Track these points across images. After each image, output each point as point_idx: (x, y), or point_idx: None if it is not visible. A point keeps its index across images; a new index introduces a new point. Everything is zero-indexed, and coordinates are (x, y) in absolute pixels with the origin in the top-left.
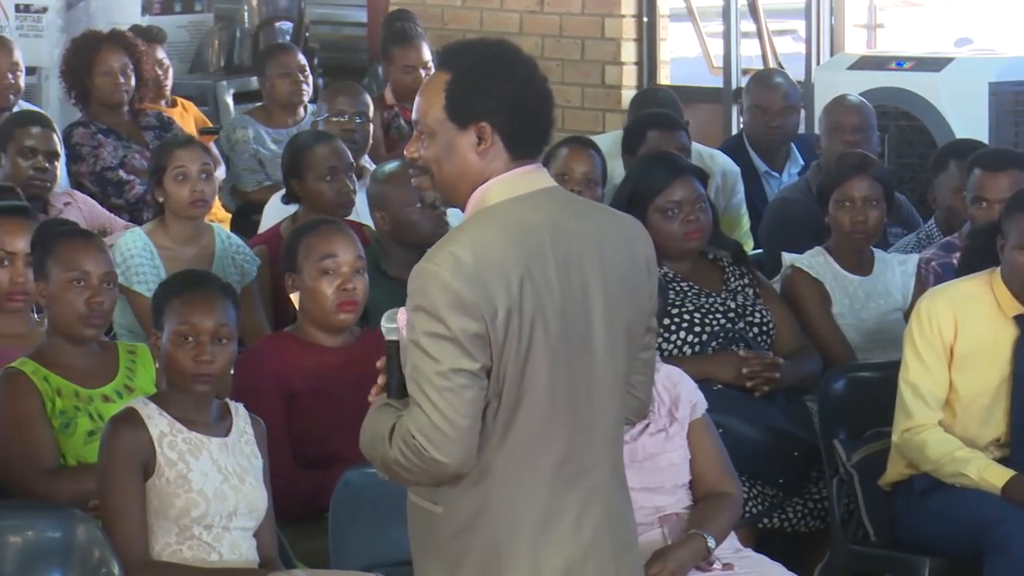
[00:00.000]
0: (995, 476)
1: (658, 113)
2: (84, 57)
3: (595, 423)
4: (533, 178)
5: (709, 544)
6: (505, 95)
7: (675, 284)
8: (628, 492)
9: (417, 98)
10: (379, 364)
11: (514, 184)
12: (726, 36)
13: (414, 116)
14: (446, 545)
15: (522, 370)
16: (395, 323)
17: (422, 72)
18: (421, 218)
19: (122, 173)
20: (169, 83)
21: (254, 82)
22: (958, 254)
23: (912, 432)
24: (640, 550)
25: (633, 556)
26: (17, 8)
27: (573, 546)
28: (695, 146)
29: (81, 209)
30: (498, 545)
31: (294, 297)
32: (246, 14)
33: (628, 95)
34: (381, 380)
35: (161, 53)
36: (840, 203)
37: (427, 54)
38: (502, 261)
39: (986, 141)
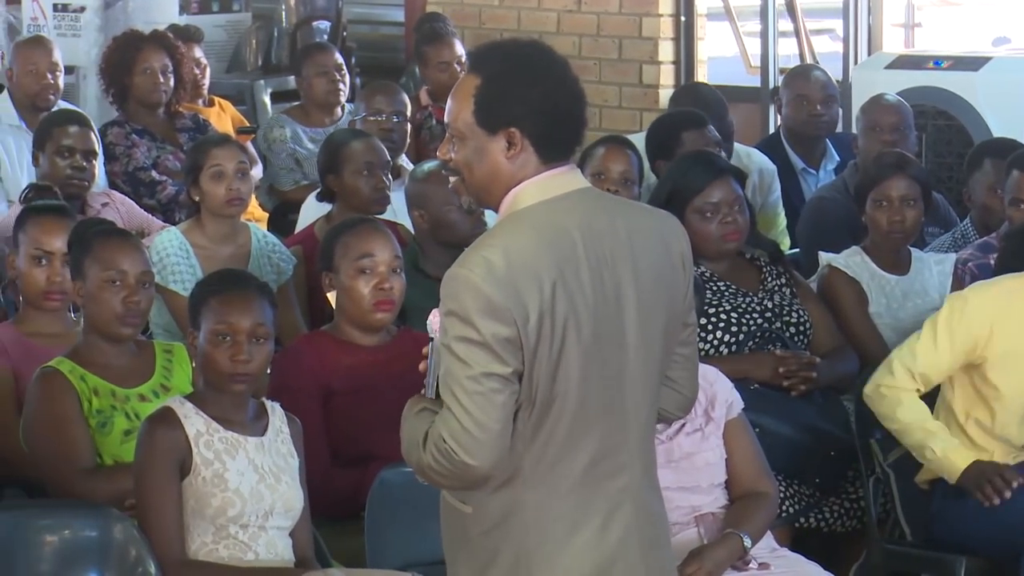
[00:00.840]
0: (960, 458)
1: (687, 112)
2: (125, 56)
3: (629, 423)
4: (565, 180)
5: (745, 543)
6: (534, 100)
7: (712, 284)
8: (660, 490)
9: (448, 100)
10: (421, 367)
11: (546, 186)
12: (763, 35)
13: (446, 119)
14: (476, 545)
15: (553, 373)
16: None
17: (457, 68)
18: (459, 217)
19: (154, 174)
20: (207, 82)
21: (291, 81)
22: (995, 255)
23: (887, 388)
24: (675, 549)
25: (664, 555)
26: (55, 8)
27: (602, 547)
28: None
29: (119, 209)
30: (527, 546)
31: (331, 296)
32: (284, 13)
33: (665, 94)
34: (423, 366)
35: (199, 52)
36: (878, 203)
37: (460, 50)
38: (534, 265)
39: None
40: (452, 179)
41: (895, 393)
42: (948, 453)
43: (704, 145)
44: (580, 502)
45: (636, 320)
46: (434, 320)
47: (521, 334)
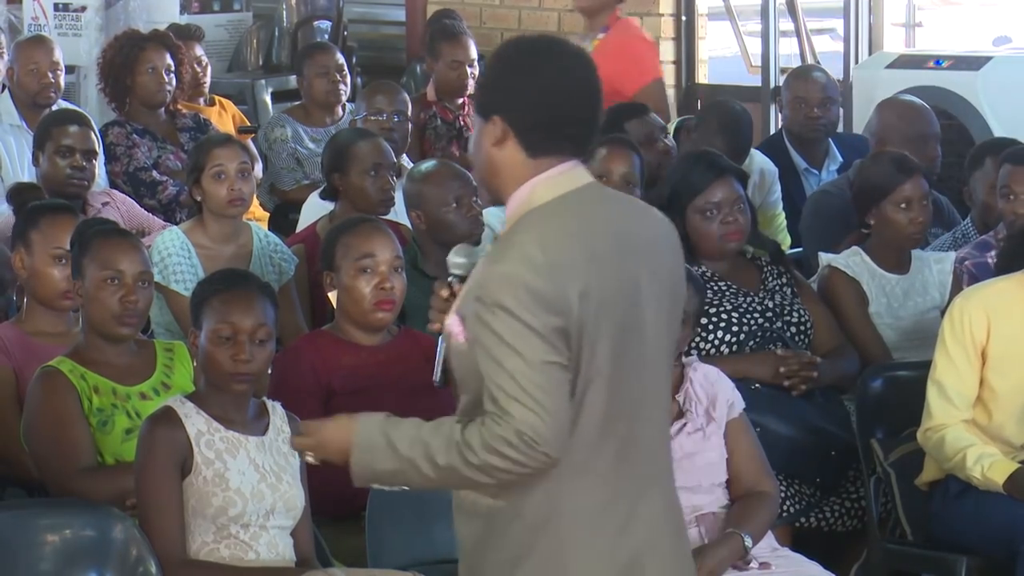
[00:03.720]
0: (997, 474)
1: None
2: (127, 55)
3: (650, 413)
4: (574, 175)
5: (746, 543)
6: (519, 90)
7: (713, 283)
8: (674, 479)
9: None
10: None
11: (558, 182)
12: (764, 35)
13: None
14: (509, 539)
15: (590, 363)
16: (463, 258)
17: (468, 69)
18: (457, 217)
19: (155, 174)
20: (208, 82)
21: (292, 81)
22: (993, 253)
23: (932, 431)
24: None
25: (687, 542)
26: (56, 7)
27: (634, 536)
28: None
29: (119, 209)
30: (562, 538)
31: (332, 296)
32: (284, 13)
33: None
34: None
35: (200, 51)
36: (898, 205)
37: (474, 52)
38: (570, 255)
39: None
40: None
41: (937, 435)
42: (987, 474)
43: (647, 131)
44: (612, 492)
45: (653, 314)
46: (454, 325)
47: (568, 323)
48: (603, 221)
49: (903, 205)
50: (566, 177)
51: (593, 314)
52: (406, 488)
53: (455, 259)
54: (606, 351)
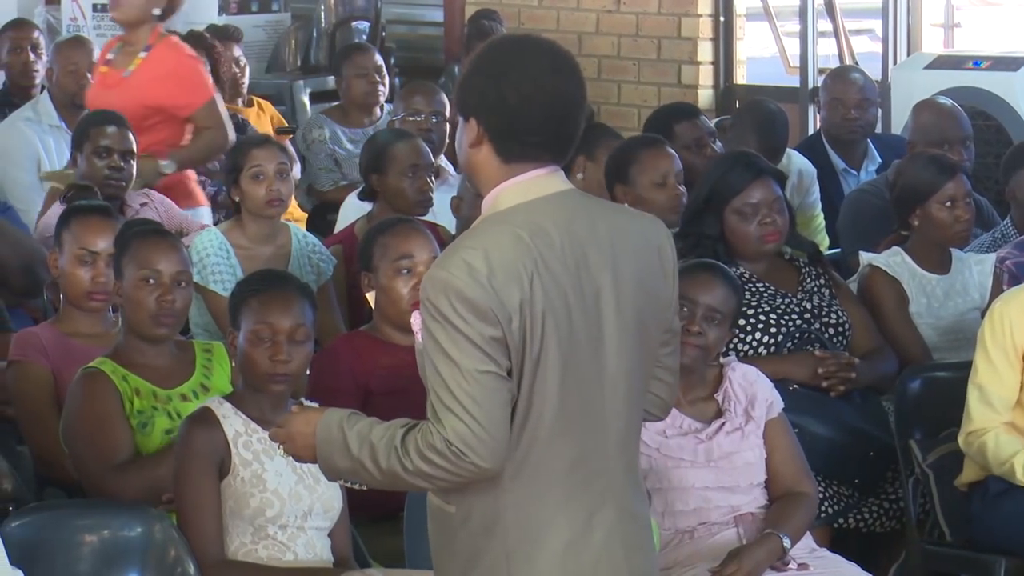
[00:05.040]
0: None
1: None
2: None
3: (607, 426)
4: (545, 182)
5: (784, 544)
6: (488, 96)
7: (751, 285)
8: (643, 492)
9: None
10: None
11: (527, 188)
12: (803, 35)
13: None
14: (461, 544)
15: (534, 373)
16: None
17: None
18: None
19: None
20: (246, 82)
21: (331, 81)
22: None
23: (974, 436)
24: (714, 549)
25: (647, 557)
26: (94, 8)
27: (585, 549)
28: None
29: (157, 209)
30: (509, 547)
31: (370, 296)
32: (323, 14)
33: (704, 95)
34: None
35: (238, 52)
36: (943, 204)
37: None
38: (514, 266)
39: None
40: None
41: (979, 440)
42: None
43: (697, 135)
44: (562, 503)
45: (615, 325)
46: (416, 320)
47: (507, 334)
48: (560, 230)
49: (948, 204)
50: (535, 183)
51: (536, 324)
52: (364, 487)
53: (416, 320)
54: (554, 362)
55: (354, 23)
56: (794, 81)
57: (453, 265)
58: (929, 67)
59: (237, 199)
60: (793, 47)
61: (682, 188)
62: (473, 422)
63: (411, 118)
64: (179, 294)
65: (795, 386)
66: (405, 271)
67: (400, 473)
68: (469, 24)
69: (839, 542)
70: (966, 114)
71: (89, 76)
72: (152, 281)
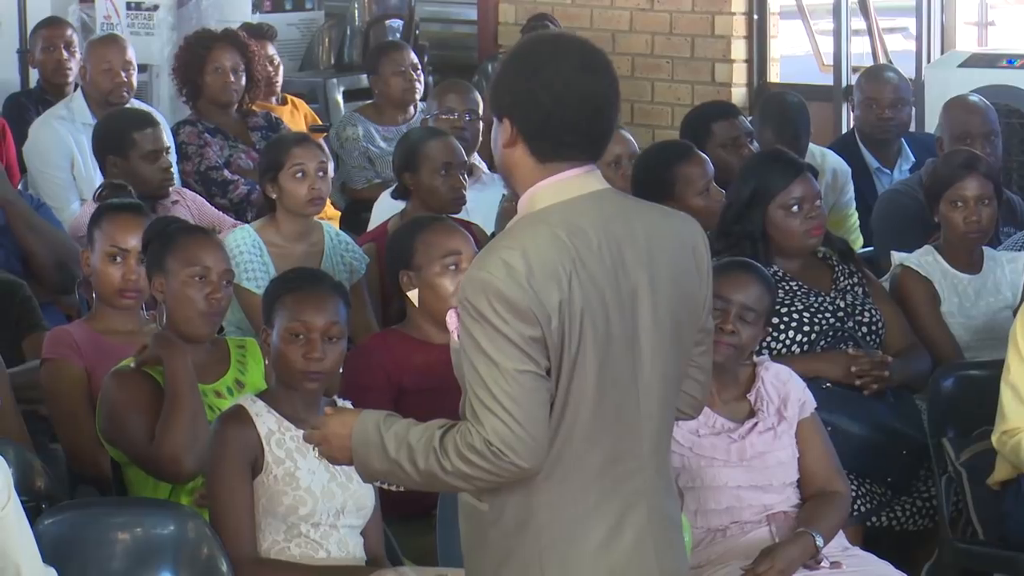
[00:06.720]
0: None
1: (717, 103)
2: (196, 55)
3: (641, 426)
4: (581, 182)
5: (817, 542)
6: (521, 95)
7: (784, 283)
8: (675, 492)
9: None
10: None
11: (563, 188)
12: (836, 34)
13: None
14: (492, 543)
15: (571, 373)
16: None
17: None
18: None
19: (227, 173)
20: (280, 80)
21: (364, 80)
22: None
23: (1008, 435)
24: (747, 548)
25: (678, 558)
26: (129, 6)
27: (616, 549)
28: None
29: (190, 208)
30: (541, 546)
31: (412, 295)
32: (356, 12)
33: (738, 93)
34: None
35: (272, 50)
36: (953, 203)
37: None
38: (552, 265)
39: None
40: None
41: (1013, 439)
42: None
43: (734, 135)
44: (595, 503)
45: (651, 325)
46: (452, 320)
47: (546, 333)
48: (598, 229)
49: (959, 203)
50: (571, 183)
51: (575, 324)
52: (400, 488)
53: (452, 319)
54: (591, 362)
55: (388, 21)
56: (828, 79)
57: (492, 265)
58: (963, 65)
59: (273, 196)
60: (827, 45)
61: (720, 189)
62: (513, 422)
63: (444, 116)
64: (225, 292)
65: (828, 384)
66: (452, 267)
67: (439, 474)
68: (525, 28)
69: (872, 540)
70: (999, 112)
71: (123, 75)
72: (202, 278)
